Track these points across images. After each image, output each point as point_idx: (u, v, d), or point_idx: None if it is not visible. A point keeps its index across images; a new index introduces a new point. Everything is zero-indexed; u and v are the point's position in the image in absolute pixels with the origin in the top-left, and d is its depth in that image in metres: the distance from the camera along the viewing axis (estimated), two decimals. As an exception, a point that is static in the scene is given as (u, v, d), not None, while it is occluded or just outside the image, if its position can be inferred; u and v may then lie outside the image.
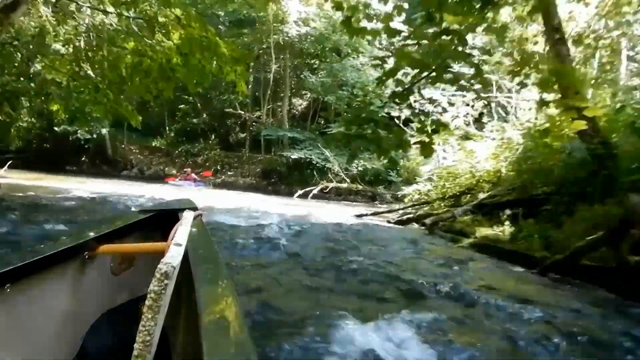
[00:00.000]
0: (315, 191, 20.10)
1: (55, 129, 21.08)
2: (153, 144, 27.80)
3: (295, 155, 20.85)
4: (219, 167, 24.84)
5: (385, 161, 3.89)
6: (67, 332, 1.64)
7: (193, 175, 21.97)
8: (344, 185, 21.46)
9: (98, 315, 1.84)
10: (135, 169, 24.63)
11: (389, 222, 10.09)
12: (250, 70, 26.90)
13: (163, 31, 6.64)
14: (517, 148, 8.13)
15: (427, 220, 7.41)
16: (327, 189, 20.57)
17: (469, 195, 10.42)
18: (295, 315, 2.60)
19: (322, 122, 24.81)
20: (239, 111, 24.61)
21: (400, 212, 11.72)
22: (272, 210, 10.50)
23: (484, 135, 10.67)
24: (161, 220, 2.26)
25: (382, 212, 11.76)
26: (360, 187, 21.78)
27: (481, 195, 9.25)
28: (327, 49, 22.64)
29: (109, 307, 1.91)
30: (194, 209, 2.25)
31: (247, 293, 2.99)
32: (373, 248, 5.40)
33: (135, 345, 1.05)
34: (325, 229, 7.00)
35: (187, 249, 1.45)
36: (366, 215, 11.44)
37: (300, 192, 19.83)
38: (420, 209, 11.48)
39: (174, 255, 1.21)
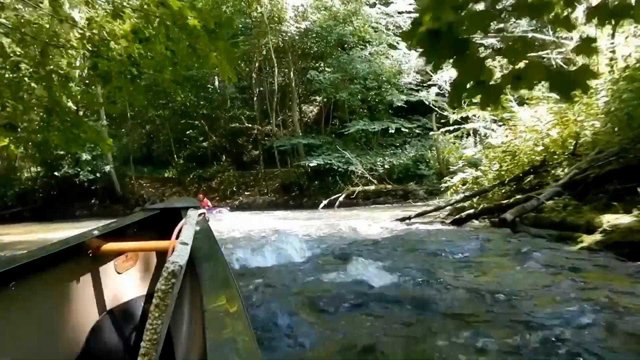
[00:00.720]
0: (340, 199, 18.12)
1: (56, 174, 19.79)
2: (165, 175, 26.34)
3: (313, 162, 18.88)
4: (234, 189, 23.13)
5: (491, 107, 1.74)
6: (72, 329, 1.61)
7: (207, 202, 20.29)
8: (371, 187, 19.41)
9: (103, 313, 1.79)
10: (147, 203, 23.10)
11: (442, 223, 8.03)
12: (254, 81, 25.32)
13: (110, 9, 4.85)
14: (610, 96, 6.01)
15: (507, 215, 5.35)
16: (354, 194, 18.54)
17: (532, 176, 8.31)
18: None
19: (337, 123, 22.87)
20: (247, 124, 22.89)
21: (448, 208, 9.64)
22: (299, 229, 8.60)
23: (540, 97, 8.55)
24: (164, 219, 2.19)
25: (429, 212, 9.69)
26: (389, 186, 19.70)
27: (559, 171, 7.14)
28: (331, 43, 20.76)
29: (113, 305, 1.87)
30: (197, 207, 2.17)
31: None
32: (460, 271, 3.41)
33: (142, 344, 1.05)
34: (373, 248, 5.03)
35: (191, 247, 1.40)
36: (410, 218, 9.41)
37: (324, 202, 17.86)
38: (469, 200, 9.41)
39: (181, 255, 1.20)
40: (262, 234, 7.91)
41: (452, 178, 10.93)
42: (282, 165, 23.40)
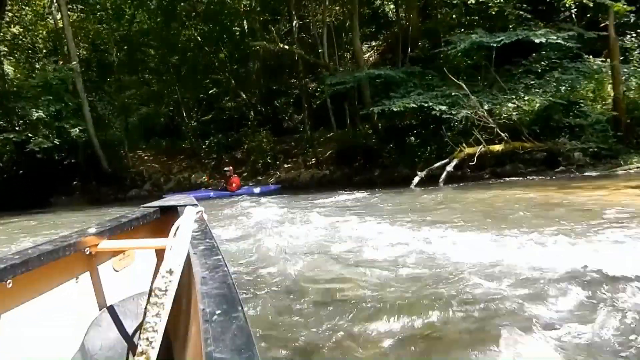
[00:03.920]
0: (449, 167, 9.98)
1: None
2: (172, 146, 19.09)
3: (395, 107, 10.67)
4: (268, 160, 15.58)
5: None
6: (69, 327, 1.63)
7: (237, 179, 12.92)
8: (498, 147, 11.06)
9: (100, 311, 1.82)
10: (148, 184, 16.15)
11: None
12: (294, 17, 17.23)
13: None
14: None
15: None
16: (473, 160, 10.31)
17: None
18: None
19: (426, 45, 14.42)
20: (284, 46, 14.90)
21: None
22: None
23: None
24: (162, 217, 2.22)
25: None
26: (527, 145, 11.25)
27: None
28: None
29: (111, 303, 1.89)
30: (195, 205, 2.11)
31: None
32: None
33: (140, 342, 1.04)
34: None
35: (189, 245, 1.41)
36: None
37: (421, 175, 9.80)
38: None
39: (179, 252, 1.20)
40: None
41: None
42: (338, 127, 15.57)
